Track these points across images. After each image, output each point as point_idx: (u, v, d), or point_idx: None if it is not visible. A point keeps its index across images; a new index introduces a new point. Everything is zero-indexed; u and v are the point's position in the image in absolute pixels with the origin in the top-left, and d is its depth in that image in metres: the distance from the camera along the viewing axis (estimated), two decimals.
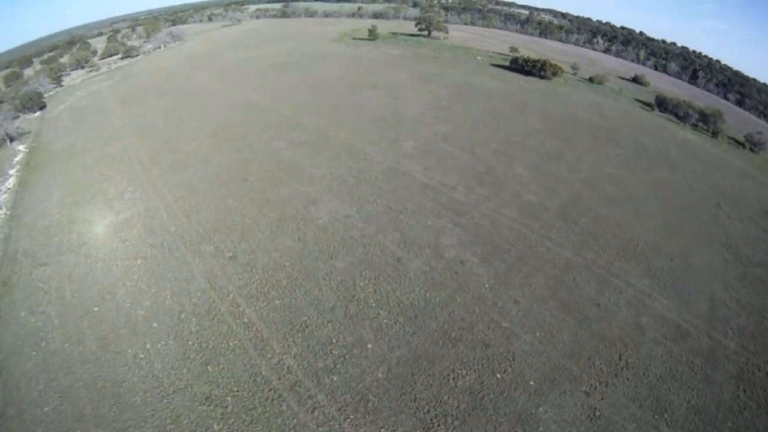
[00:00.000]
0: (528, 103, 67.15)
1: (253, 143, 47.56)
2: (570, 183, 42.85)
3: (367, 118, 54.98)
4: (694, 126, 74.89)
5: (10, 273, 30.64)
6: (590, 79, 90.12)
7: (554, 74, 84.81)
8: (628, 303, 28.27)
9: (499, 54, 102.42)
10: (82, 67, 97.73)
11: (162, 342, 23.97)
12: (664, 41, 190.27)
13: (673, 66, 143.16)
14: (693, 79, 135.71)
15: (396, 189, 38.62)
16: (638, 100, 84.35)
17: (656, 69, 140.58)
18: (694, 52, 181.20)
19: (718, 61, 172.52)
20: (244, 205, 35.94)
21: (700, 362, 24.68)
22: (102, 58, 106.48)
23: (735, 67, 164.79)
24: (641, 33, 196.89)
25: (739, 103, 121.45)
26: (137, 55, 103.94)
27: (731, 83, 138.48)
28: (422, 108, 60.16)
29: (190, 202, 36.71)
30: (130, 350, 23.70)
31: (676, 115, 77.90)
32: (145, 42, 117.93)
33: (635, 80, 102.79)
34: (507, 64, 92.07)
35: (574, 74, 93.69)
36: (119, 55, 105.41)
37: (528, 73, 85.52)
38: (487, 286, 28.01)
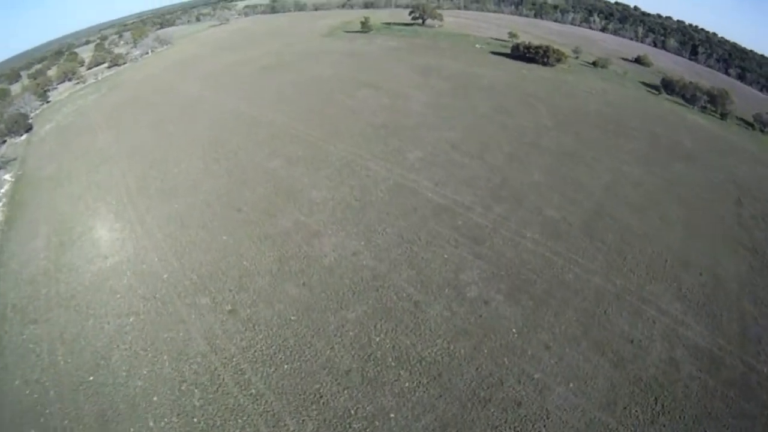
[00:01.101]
0: (534, 96, 64.29)
1: (244, 162, 44.59)
2: (590, 189, 40.48)
3: (366, 125, 51.94)
4: (703, 108, 72.86)
5: (1, 332, 28.24)
6: (594, 63, 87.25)
7: (558, 60, 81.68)
8: (662, 335, 26.14)
9: (498, 40, 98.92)
10: (69, 80, 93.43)
11: (165, 419, 21.61)
12: (659, 15, 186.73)
13: (672, 42, 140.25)
14: (693, 55, 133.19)
15: (406, 212, 35.86)
16: (643, 83, 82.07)
17: (656, 46, 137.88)
18: (690, 25, 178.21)
19: (715, 34, 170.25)
20: (239, 243, 33.13)
21: (734, 394, 22.94)
22: (89, 68, 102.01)
23: (732, 39, 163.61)
24: (636, 8, 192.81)
25: (740, 78, 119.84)
26: (124, 63, 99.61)
27: (731, 58, 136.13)
28: (424, 108, 57.18)
29: (180, 240, 33.93)
30: (132, 429, 21.41)
31: (683, 97, 75.79)
32: (132, 48, 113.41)
33: (638, 61, 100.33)
34: (507, 51, 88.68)
35: (577, 58, 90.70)
36: (106, 64, 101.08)
37: (530, 61, 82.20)
38: (514, 330, 25.62)
